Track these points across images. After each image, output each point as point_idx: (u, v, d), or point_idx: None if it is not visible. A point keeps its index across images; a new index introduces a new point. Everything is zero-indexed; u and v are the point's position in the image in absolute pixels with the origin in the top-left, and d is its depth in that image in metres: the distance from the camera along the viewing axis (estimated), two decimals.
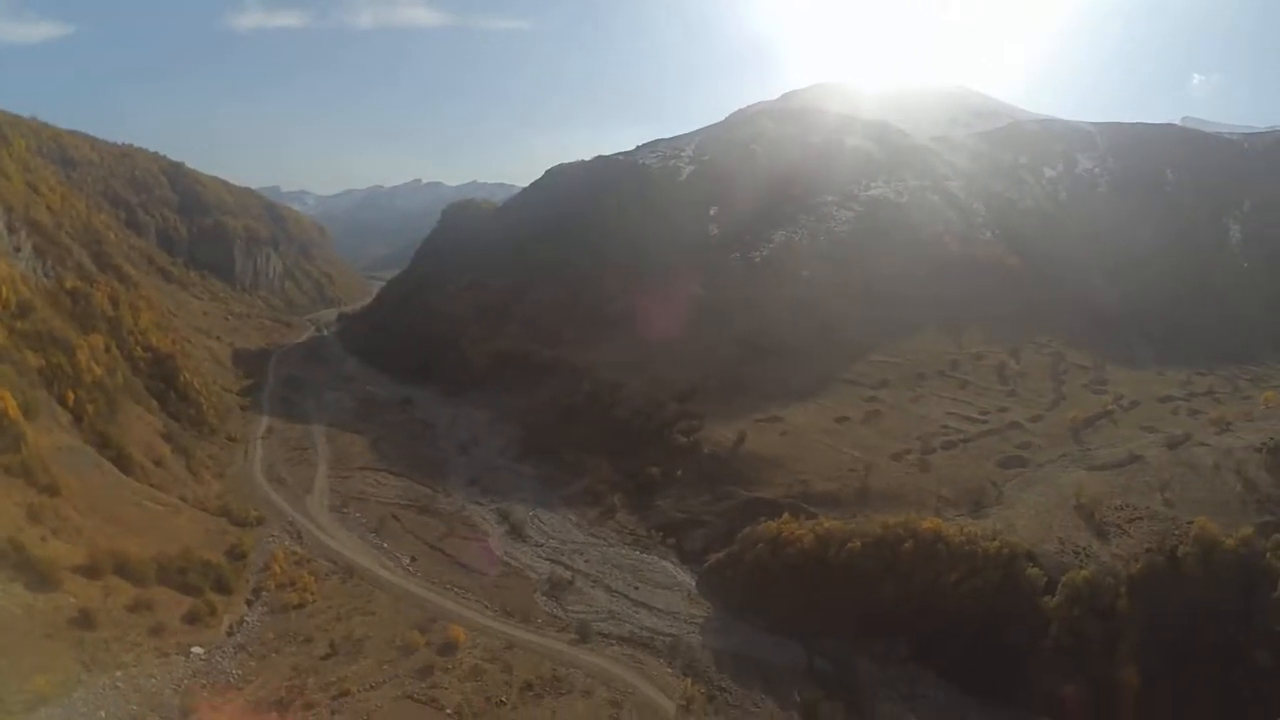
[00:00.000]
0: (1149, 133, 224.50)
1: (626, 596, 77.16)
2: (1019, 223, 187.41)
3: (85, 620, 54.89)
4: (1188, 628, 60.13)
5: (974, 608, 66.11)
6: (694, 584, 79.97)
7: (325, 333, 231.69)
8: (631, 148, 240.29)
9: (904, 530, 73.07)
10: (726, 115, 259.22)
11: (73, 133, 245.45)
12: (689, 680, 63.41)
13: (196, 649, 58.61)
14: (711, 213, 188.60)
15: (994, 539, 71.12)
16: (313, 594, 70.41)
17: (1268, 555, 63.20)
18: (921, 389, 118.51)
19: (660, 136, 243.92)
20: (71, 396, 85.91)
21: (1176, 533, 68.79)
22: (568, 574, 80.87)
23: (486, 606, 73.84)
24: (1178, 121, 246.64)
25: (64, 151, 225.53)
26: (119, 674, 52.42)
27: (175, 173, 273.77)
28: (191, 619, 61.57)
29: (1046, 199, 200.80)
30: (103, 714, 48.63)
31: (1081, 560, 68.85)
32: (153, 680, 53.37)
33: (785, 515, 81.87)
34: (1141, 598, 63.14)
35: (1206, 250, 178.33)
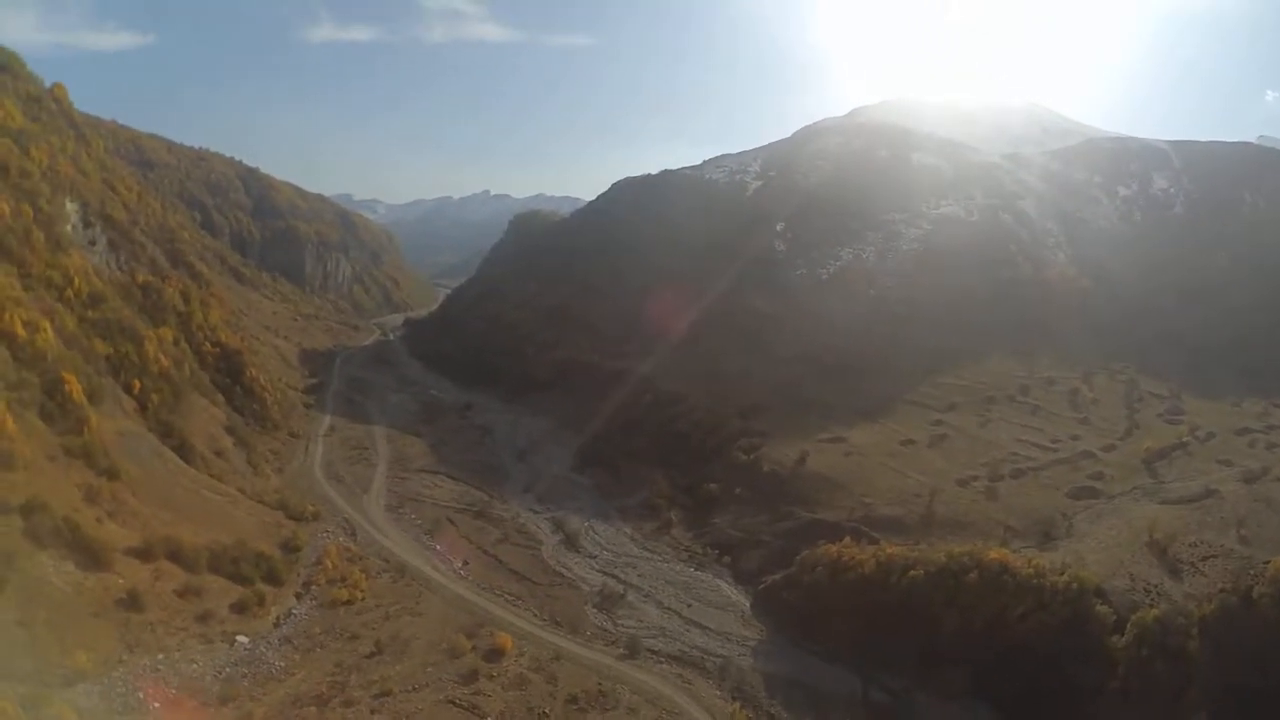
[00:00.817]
0: (1225, 151, 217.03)
1: (678, 614, 75.10)
2: (1092, 243, 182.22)
3: (133, 602, 54.81)
4: (1262, 672, 56.18)
5: (1039, 643, 62.76)
6: (748, 605, 77.59)
7: (391, 337, 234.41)
8: (698, 163, 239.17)
9: (969, 560, 69.85)
10: (793, 132, 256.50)
11: (151, 135, 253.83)
12: (738, 704, 61.16)
13: (242, 638, 58.19)
14: (778, 228, 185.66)
15: (1062, 573, 67.64)
16: (362, 591, 69.73)
17: None
18: (990, 414, 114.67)
19: (727, 152, 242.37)
20: (137, 385, 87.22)
21: (1252, 572, 64.58)
22: (620, 587, 79.18)
23: (536, 615, 72.56)
24: (1254, 140, 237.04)
25: (142, 153, 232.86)
26: (161, 656, 52.15)
27: (249, 177, 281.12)
28: (240, 608, 61.28)
29: (1121, 219, 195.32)
30: (140, 694, 48.20)
31: (1153, 599, 65.25)
32: (194, 665, 53.04)
33: (846, 539, 79.21)
34: (1214, 640, 59.14)
35: None
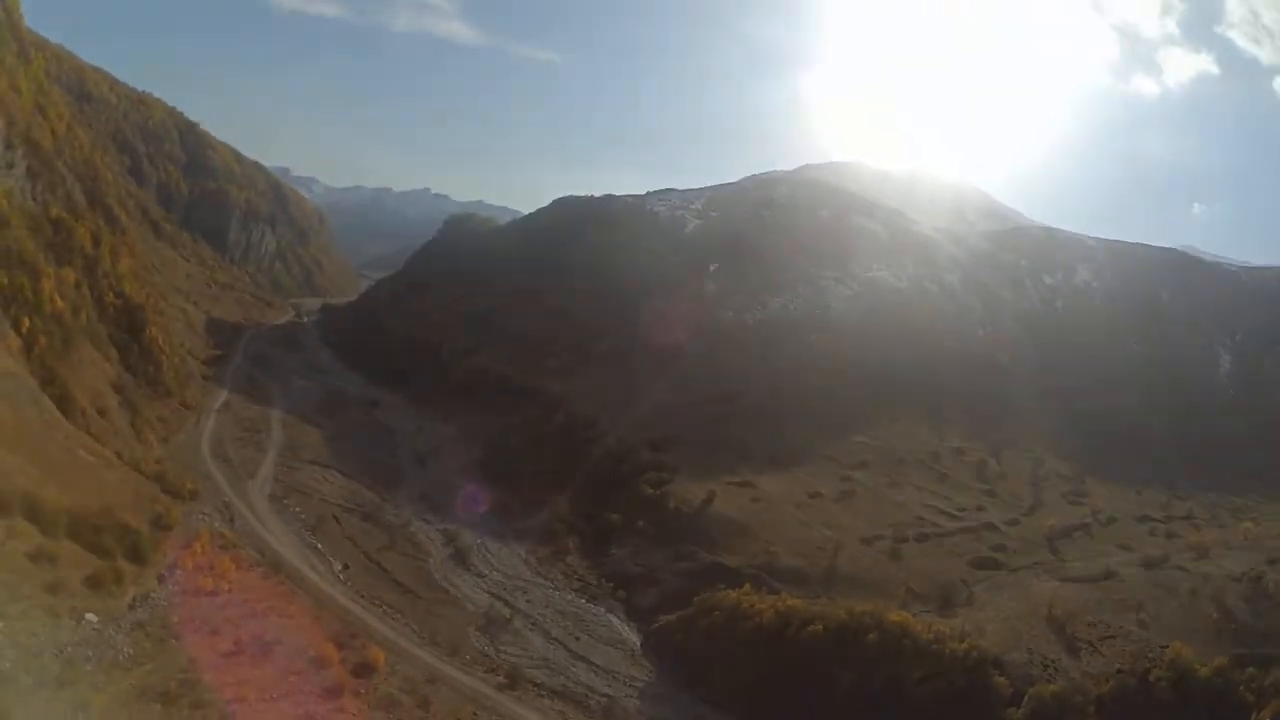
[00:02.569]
0: (1149, 254, 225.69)
1: (565, 646, 71.84)
2: (1013, 325, 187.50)
3: None
4: None
5: (934, 710, 61.81)
6: (639, 643, 74.77)
7: (305, 320, 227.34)
8: (642, 193, 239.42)
9: (870, 619, 68.41)
10: (741, 178, 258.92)
11: (96, 69, 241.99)
12: None
13: (91, 616, 52.76)
14: (711, 269, 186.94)
15: (962, 641, 66.98)
16: (230, 583, 64.33)
17: (1241, 688, 60.10)
18: (900, 476, 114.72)
19: (673, 187, 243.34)
20: (26, 324, 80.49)
21: (1150, 655, 65.43)
22: (507, 611, 75.62)
23: (414, 632, 68.50)
24: (1178, 248, 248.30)
25: (83, 85, 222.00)
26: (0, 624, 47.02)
27: (188, 131, 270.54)
28: (94, 583, 55.46)
29: (1043, 305, 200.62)
30: None
31: (1050, 674, 64.89)
32: (35, 639, 47.40)
33: (746, 585, 77.16)
34: (1111, 719, 59.93)
35: (1195, 376, 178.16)
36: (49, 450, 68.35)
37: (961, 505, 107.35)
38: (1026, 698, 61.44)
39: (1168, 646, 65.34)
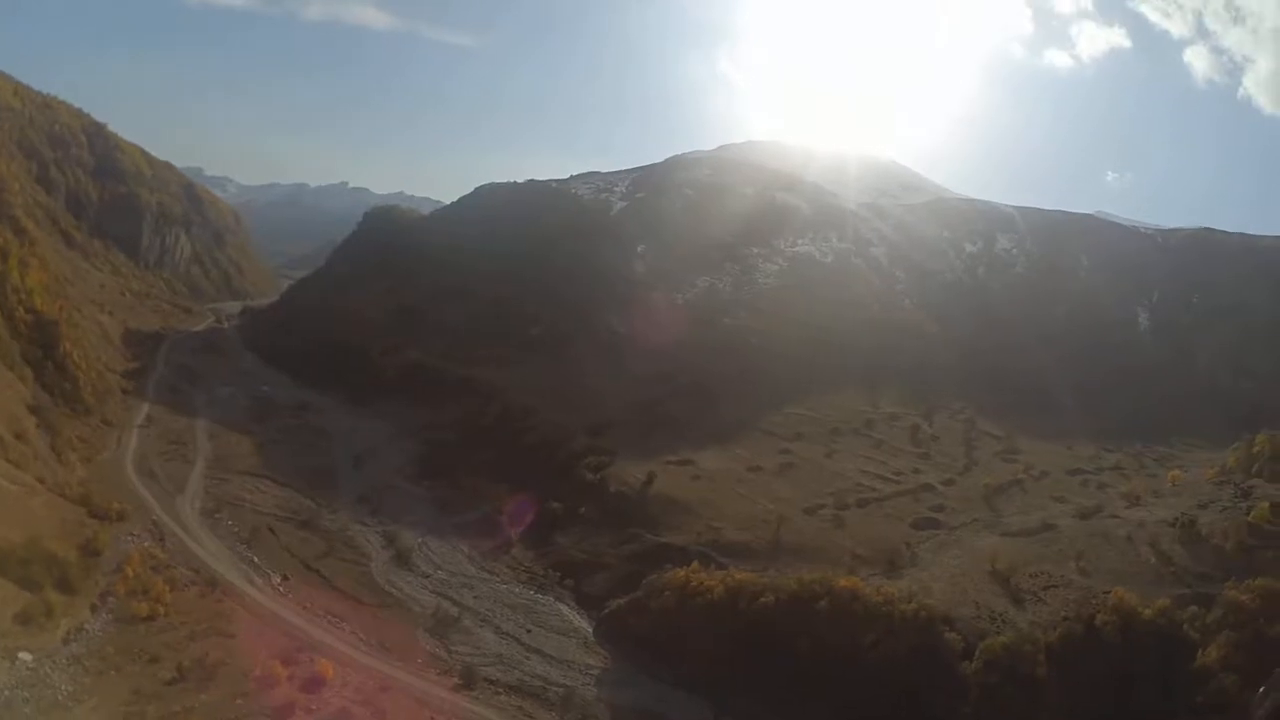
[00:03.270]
0: (1067, 220, 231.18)
1: (518, 640, 71.59)
2: (938, 293, 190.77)
3: None
4: (1108, 697, 58.77)
5: (891, 671, 63.06)
6: (592, 630, 74.86)
7: (226, 324, 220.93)
8: (565, 176, 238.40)
9: (820, 587, 69.70)
10: (663, 159, 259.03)
11: None
12: None
13: (24, 655, 51.22)
14: (639, 250, 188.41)
15: (910, 600, 68.50)
16: (166, 606, 62.53)
17: (1185, 626, 62.60)
18: (836, 445, 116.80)
19: (597, 170, 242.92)
20: None
21: (1094, 601, 67.50)
22: (454, 610, 74.97)
23: (362, 640, 67.36)
24: (1093, 213, 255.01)
25: None
26: None
27: (96, 134, 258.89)
28: (24, 619, 53.80)
29: (965, 273, 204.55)
30: None
31: (999, 627, 66.81)
32: None
33: (694, 564, 77.75)
34: (1061, 666, 61.73)
35: (1116, 335, 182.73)
36: None
37: (898, 469, 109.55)
38: (978, 651, 62.99)
39: (1110, 592, 67.42)
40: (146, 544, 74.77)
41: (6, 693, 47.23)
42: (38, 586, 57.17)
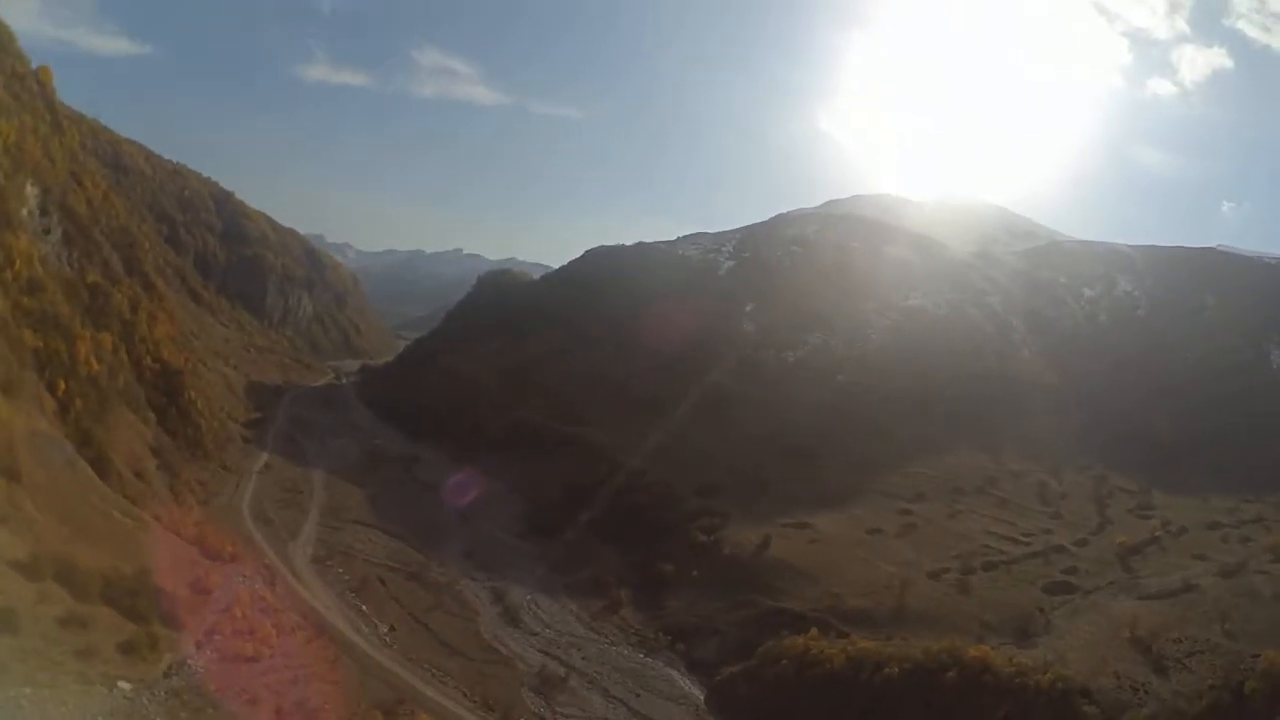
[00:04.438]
0: (1187, 256, 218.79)
1: (625, 704, 68.39)
2: (1057, 342, 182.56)
3: (6, 622, 46.41)
4: None
5: None
6: (703, 699, 71.17)
7: (344, 381, 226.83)
8: (673, 239, 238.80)
9: (948, 657, 65.33)
10: (769, 217, 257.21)
11: (130, 141, 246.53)
12: None
13: (124, 684, 49.67)
14: (748, 309, 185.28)
15: (1046, 672, 63.33)
16: (271, 648, 61.36)
17: None
18: (959, 505, 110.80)
19: (704, 231, 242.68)
20: (62, 386, 78.88)
21: (1242, 667, 61.69)
22: (561, 670, 72.40)
23: (465, 695, 65.34)
24: (1214, 247, 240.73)
25: (118, 157, 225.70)
26: (27, 691, 43.58)
27: (223, 200, 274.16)
28: (128, 649, 52.48)
29: (1085, 319, 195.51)
30: None
31: (1140, 698, 61.46)
32: (63, 709, 44.24)
33: (812, 631, 73.86)
34: None
35: (1247, 376, 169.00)
36: (83, 513, 66.11)
37: (1026, 530, 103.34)
38: None
39: (1259, 655, 61.90)
40: (257, 586, 73.97)
41: (101, 719, 45.72)
42: (144, 619, 56.12)
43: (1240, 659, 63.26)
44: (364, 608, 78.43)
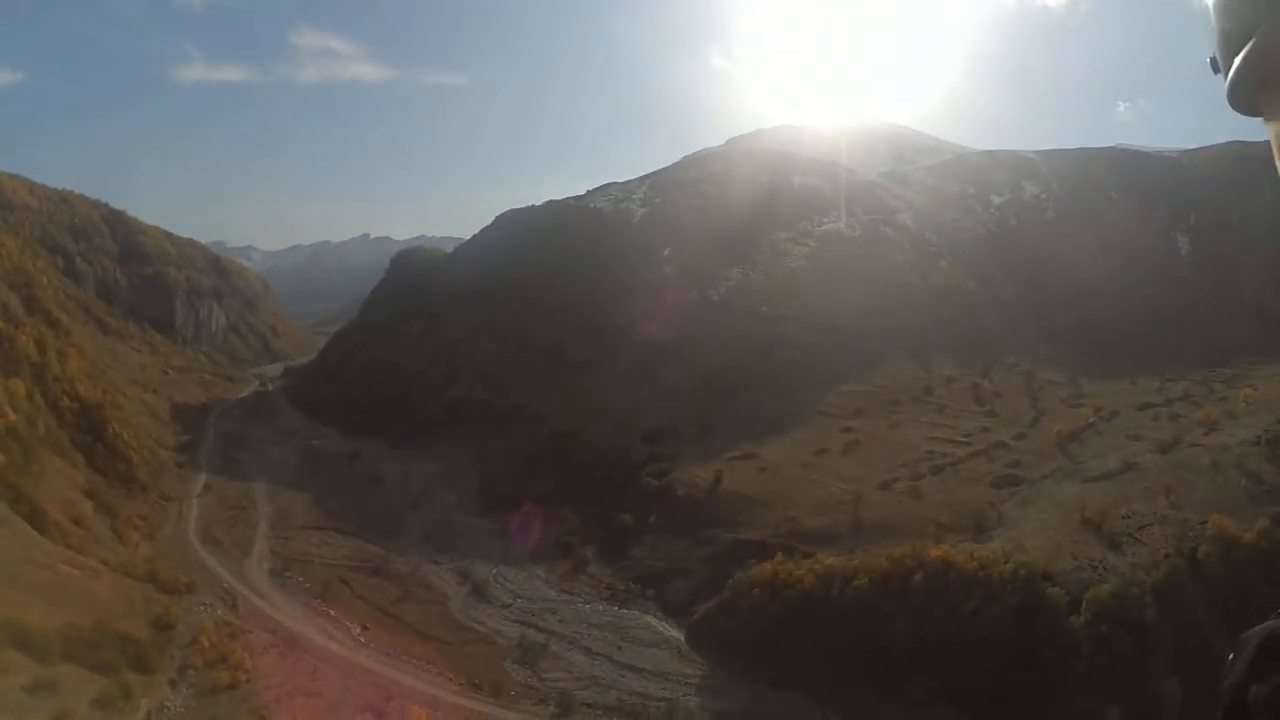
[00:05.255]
0: (1089, 157, 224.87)
1: (609, 658, 69.31)
2: (972, 250, 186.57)
3: None
4: (1220, 630, 54.95)
5: (996, 637, 60.64)
6: (683, 638, 72.45)
7: (269, 387, 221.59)
8: (582, 193, 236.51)
9: (912, 561, 67.47)
10: (675, 160, 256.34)
11: (11, 176, 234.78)
12: None
13: None
14: (665, 253, 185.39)
15: (1007, 561, 65.99)
16: (246, 672, 61.02)
17: None
18: (898, 416, 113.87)
19: (612, 181, 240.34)
20: None
21: (1191, 534, 65.41)
22: (540, 637, 72.91)
23: (450, 679, 65.42)
24: (1115, 145, 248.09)
25: (1, 194, 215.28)
26: None
27: (116, 221, 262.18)
28: (102, 704, 52.00)
29: (996, 225, 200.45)
30: None
31: (1101, 575, 64.33)
32: None
33: (778, 556, 75.22)
34: (1169, 606, 59.34)
35: (1158, 264, 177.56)
36: (28, 571, 64.58)
37: (966, 431, 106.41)
38: (1084, 603, 60.62)
39: (1205, 522, 65.33)
40: (219, 612, 73.43)
41: None
42: (112, 669, 55.56)
43: (1189, 527, 66.64)
44: (332, 612, 77.70)
